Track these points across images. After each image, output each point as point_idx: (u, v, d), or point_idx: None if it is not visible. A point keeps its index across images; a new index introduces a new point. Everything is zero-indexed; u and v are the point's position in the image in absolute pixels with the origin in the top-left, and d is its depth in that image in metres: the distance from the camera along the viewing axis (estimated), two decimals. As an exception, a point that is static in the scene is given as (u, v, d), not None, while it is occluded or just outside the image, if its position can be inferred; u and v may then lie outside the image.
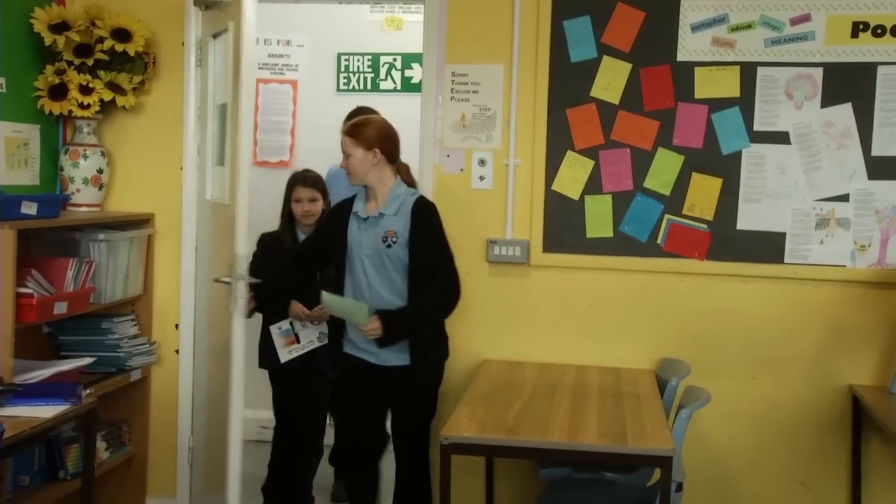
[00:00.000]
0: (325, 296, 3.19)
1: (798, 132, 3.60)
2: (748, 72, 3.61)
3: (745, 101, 3.62)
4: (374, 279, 3.21)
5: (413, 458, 3.30)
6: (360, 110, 3.96)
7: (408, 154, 3.91)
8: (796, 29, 3.57)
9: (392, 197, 3.24)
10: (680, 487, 3.04)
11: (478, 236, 3.78)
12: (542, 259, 3.75)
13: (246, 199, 3.13)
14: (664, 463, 2.70)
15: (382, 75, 5.07)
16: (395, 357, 3.22)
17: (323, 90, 5.09)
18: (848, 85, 3.56)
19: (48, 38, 3.59)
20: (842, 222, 3.60)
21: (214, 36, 3.76)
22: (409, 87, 5.00)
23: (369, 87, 5.08)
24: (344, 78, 5.10)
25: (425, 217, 3.24)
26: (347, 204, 3.33)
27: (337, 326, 3.36)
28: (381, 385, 3.26)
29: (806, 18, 3.56)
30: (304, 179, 3.72)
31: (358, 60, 5.09)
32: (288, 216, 3.73)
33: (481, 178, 3.78)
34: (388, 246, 3.18)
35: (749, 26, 3.60)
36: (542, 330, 3.77)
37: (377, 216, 3.22)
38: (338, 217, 3.33)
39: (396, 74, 5.07)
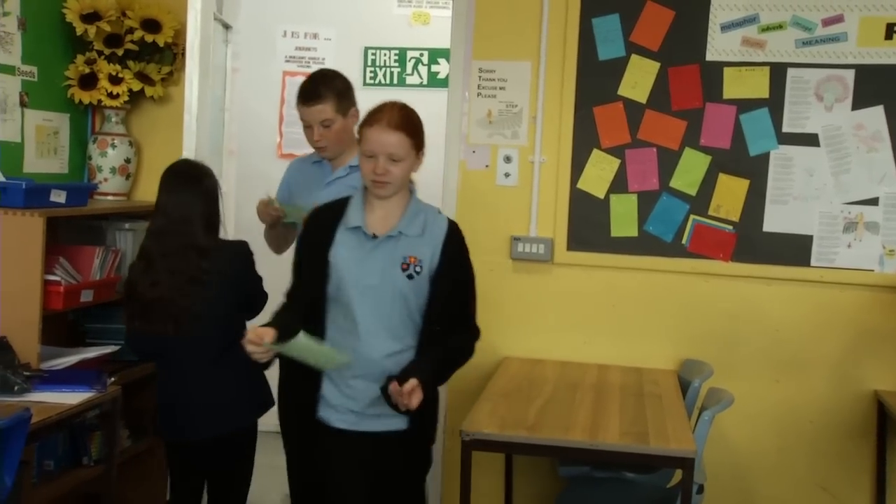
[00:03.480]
0: (301, 338, 2.32)
1: (827, 134, 3.57)
2: (778, 73, 3.58)
3: (774, 103, 3.59)
4: (370, 319, 2.46)
5: None
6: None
7: (433, 150, 3.91)
8: (828, 30, 3.54)
9: (413, 211, 2.53)
10: (701, 489, 3.03)
11: (502, 233, 3.77)
12: (566, 257, 3.74)
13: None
14: (686, 464, 2.69)
15: (409, 70, 5.08)
16: (386, 421, 2.47)
17: (349, 84, 5.10)
18: (881, 87, 3.52)
19: (79, 28, 3.61)
20: (870, 226, 3.56)
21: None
22: (435, 82, 5.00)
23: (395, 81, 5.09)
24: (370, 72, 5.11)
25: (461, 246, 2.57)
26: (329, 212, 2.55)
27: (299, 376, 2.52)
28: (367, 460, 2.51)
29: (839, 19, 3.53)
30: None
31: (385, 55, 5.10)
32: None
33: (506, 175, 3.77)
34: (410, 276, 2.46)
35: (780, 27, 3.57)
36: (564, 328, 3.76)
37: (394, 235, 2.49)
38: (318, 230, 2.54)
39: (423, 69, 5.07)
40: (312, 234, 2.56)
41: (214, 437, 2.94)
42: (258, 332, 2.30)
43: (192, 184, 2.99)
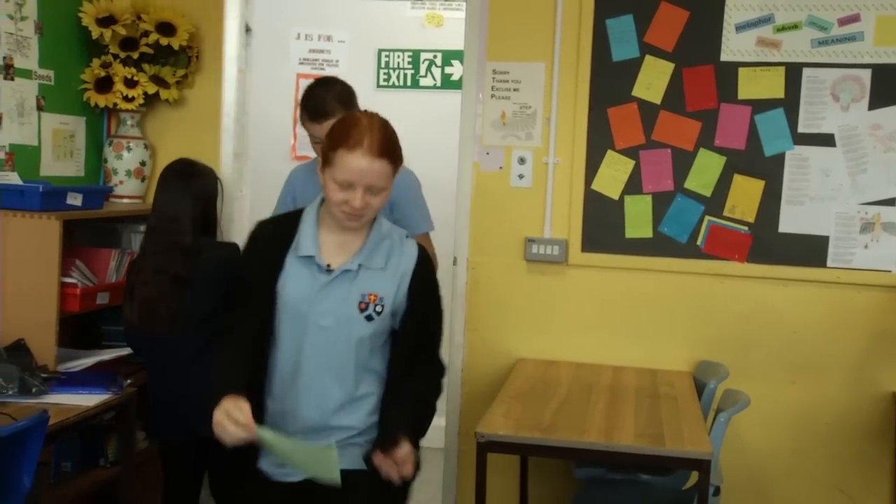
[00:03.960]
0: (270, 437, 1.98)
1: (844, 134, 3.55)
2: (793, 73, 3.56)
3: (790, 103, 3.57)
4: (318, 363, 2.10)
5: None
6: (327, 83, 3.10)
7: (447, 151, 3.92)
8: (844, 29, 3.52)
9: (375, 239, 2.14)
10: (717, 491, 3.02)
11: (516, 235, 3.77)
12: (581, 258, 3.74)
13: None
14: (702, 466, 2.68)
15: (422, 72, 5.08)
16: (344, 459, 2.04)
17: (363, 86, 5.09)
18: (898, 87, 3.50)
19: (95, 32, 3.64)
20: (887, 227, 3.54)
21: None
22: (449, 84, 5.00)
23: (409, 83, 5.09)
24: (384, 74, 5.12)
25: (431, 279, 2.22)
26: (276, 230, 2.16)
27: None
28: None
29: (855, 19, 3.51)
30: None
31: (398, 56, 5.11)
32: None
33: (520, 177, 3.77)
34: (370, 318, 2.10)
35: (795, 27, 3.56)
36: (578, 330, 3.75)
37: (352, 269, 2.11)
38: (264, 252, 2.14)
39: (436, 71, 5.08)
40: (257, 255, 2.15)
41: (199, 438, 2.84)
42: (239, 407, 1.94)
43: (183, 182, 3.01)
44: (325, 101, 2.92)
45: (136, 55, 3.70)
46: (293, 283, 2.09)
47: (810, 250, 3.58)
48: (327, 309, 2.08)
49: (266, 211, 3.21)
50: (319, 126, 2.90)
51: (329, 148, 2.07)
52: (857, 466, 3.61)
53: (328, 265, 2.10)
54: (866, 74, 3.52)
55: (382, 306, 2.10)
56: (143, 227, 3.63)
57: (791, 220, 3.59)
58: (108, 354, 3.33)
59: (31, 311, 3.02)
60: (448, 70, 5.06)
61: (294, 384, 2.11)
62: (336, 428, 2.11)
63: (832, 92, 3.54)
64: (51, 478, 3.07)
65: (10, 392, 2.72)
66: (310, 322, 2.08)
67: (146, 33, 3.70)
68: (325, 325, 2.08)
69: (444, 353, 3.83)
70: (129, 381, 3.13)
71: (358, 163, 2.03)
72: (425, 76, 5.07)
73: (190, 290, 2.89)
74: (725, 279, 3.65)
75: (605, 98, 3.68)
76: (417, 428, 2.14)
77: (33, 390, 2.77)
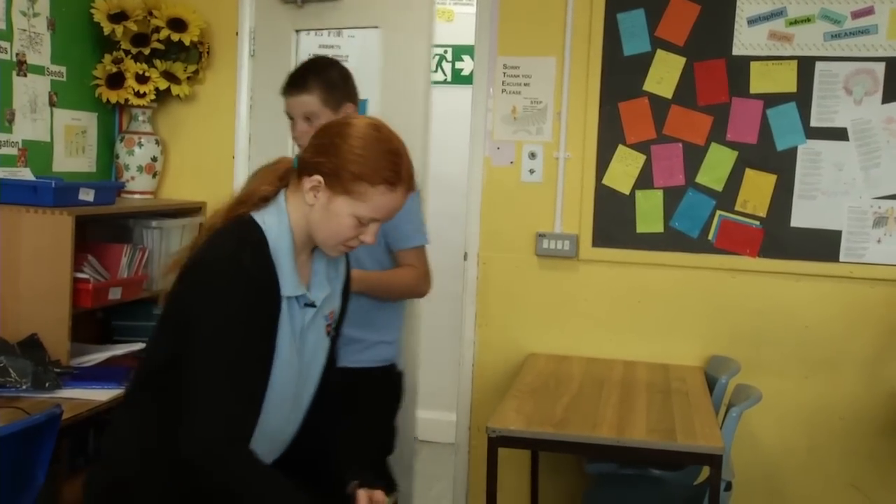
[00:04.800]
0: None
1: (857, 128, 3.53)
2: (806, 66, 3.54)
3: (802, 97, 3.55)
4: (305, 392, 1.87)
5: None
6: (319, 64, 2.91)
7: (458, 146, 3.92)
8: (858, 22, 3.49)
9: (319, 252, 1.85)
10: (729, 486, 3.01)
11: (527, 230, 3.76)
12: (592, 253, 3.73)
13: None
14: (714, 461, 2.67)
15: (433, 67, 5.07)
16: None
17: (374, 81, 5.10)
18: (912, 80, 3.48)
19: (107, 28, 3.65)
20: (900, 221, 3.52)
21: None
22: (459, 79, 5.00)
23: (419, 78, 5.08)
24: (394, 69, 5.10)
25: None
26: (266, 271, 1.70)
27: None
28: None
29: (868, 12, 3.48)
30: None
31: (410, 51, 5.09)
32: None
33: (531, 172, 3.76)
34: (333, 339, 1.93)
35: (808, 20, 3.54)
36: (589, 325, 3.75)
37: (328, 296, 1.86)
38: (267, 303, 1.71)
39: (447, 66, 5.07)
40: (261, 310, 1.68)
41: None
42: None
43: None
44: (306, 74, 2.69)
45: (147, 51, 3.71)
46: (284, 330, 1.74)
47: (823, 245, 3.56)
48: (308, 348, 1.83)
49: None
50: (289, 100, 2.68)
51: (357, 177, 1.69)
52: (871, 462, 3.60)
53: (313, 302, 1.79)
54: (880, 68, 3.49)
55: (336, 320, 1.92)
56: (154, 223, 3.65)
57: (803, 215, 3.57)
58: (120, 349, 3.34)
59: (44, 306, 3.03)
60: (459, 65, 5.05)
61: (279, 435, 1.85)
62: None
63: (845, 86, 3.52)
64: (65, 472, 3.08)
65: (24, 387, 2.73)
66: (302, 361, 1.82)
67: (157, 29, 3.71)
68: (308, 360, 1.84)
69: (455, 348, 3.87)
70: (141, 376, 3.14)
71: (398, 202, 1.74)
72: (436, 71, 5.06)
73: None
74: (737, 274, 3.64)
75: (616, 92, 3.67)
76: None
77: (47, 385, 2.78)
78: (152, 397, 1.73)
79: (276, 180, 1.77)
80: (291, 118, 2.71)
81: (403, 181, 1.73)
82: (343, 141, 1.71)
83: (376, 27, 3.84)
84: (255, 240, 1.69)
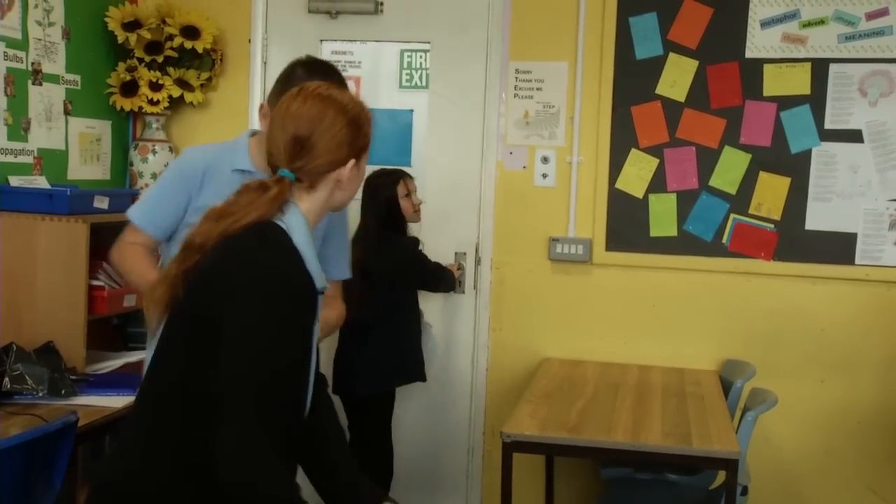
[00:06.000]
0: None
1: (872, 130, 3.51)
2: (820, 69, 3.53)
3: (816, 99, 3.54)
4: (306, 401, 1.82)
5: None
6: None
7: (471, 151, 3.91)
8: (872, 24, 3.48)
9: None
10: (745, 490, 2.99)
11: (540, 234, 3.76)
12: (605, 257, 3.72)
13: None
14: (730, 465, 2.66)
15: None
16: None
17: (386, 86, 5.11)
18: (926, 81, 3.46)
19: (121, 36, 3.67)
20: (916, 223, 3.50)
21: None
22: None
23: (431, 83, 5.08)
24: (406, 74, 5.11)
25: None
26: (300, 281, 1.67)
27: None
28: None
29: (883, 13, 3.47)
30: (406, 173, 3.49)
31: (420, 57, 5.10)
32: (390, 217, 3.40)
33: (544, 176, 3.76)
34: None
35: (822, 22, 3.52)
36: (604, 329, 3.74)
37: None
38: (307, 305, 1.69)
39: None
40: (304, 311, 1.67)
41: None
42: None
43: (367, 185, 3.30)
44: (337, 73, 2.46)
45: (160, 59, 3.73)
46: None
47: (838, 247, 3.54)
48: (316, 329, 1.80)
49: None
50: None
51: (367, 137, 1.79)
52: (889, 466, 3.57)
53: (324, 287, 1.76)
54: (895, 69, 3.47)
55: None
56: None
57: (818, 217, 3.56)
58: (135, 356, 3.34)
59: (59, 313, 3.05)
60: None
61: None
62: None
63: (860, 87, 3.51)
64: (81, 478, 3.09)
65: (41, 394, 2.74)
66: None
67: (171, 37, 3.72)
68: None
69: (470, 352, 3.86)
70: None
71: None
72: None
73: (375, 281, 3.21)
74: (752, 277, 3.62)
75: (629, 96, 3.66)
76: None
77: (63, 392, 2.79)
78: (174, 412, 1.64)
79: (276, 202, 1.70)
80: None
81: None
82: (341, 129, 1.73)
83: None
84: (282, 241, 1.67)
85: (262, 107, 2.37)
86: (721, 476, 3.08)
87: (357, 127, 1.75)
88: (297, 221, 1.71)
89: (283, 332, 1.59)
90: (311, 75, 2.25)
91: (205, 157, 2.38)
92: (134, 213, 2.43)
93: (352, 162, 1.75)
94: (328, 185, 1.74)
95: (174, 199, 2.36)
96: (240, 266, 1.62)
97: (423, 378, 3.53)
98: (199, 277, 1.65)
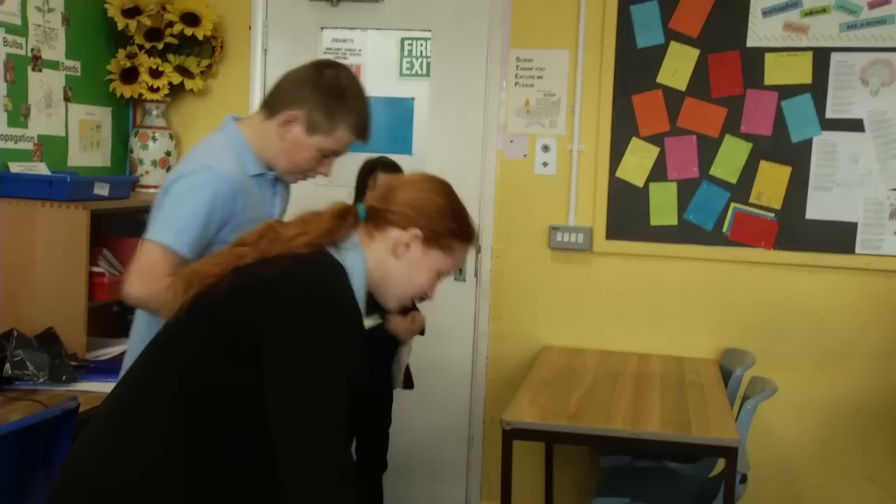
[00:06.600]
0: None
1: (873, 119, 3.51)
2: (821, 58, 3.52)
3: (818, 88, 3.53)
4: None
5: None
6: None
7: (471, 139, 3.91)
8: (875, 13, 3.47)
9: None
10: (744, 479, 3.00)
11: (540, 223, 3.76)
12: (605, 246, 3.72)
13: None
14: (729, 453, 2.67)
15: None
16: None
17: (387, 75, 5.10)
18: (927, 71, 3.45)
19: (121, 23, 3.66)
20: (917, 213, 3.50)
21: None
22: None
23: (431, 72, 5.07)
24: (407, 62, 5.10)
25: None
26: (356, 314, 1.63)
27: None
28: None
29: (885, 1, 3.46)
30: (384, 164, 3.17)
31: (421, 45, 5.09)
32: None
33: (545, 164, 3.76)
34: None
35: (824, 10, 3.51)
36: (603, 317, 3.74)
37: None
38: (357, 339, 1.62)
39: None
40: (357, 340, 1.60)
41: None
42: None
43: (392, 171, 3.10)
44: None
45: (160, 45, 3.73)
46: None
47: (838, 237, 3.55)
48: None
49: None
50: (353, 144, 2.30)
51: (451, 235, 1.73)
52: (887, 455, 3.58)
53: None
54: (897, 58, 3.48)
55: None
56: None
57: (819, 207, 3.56)
58: (135, 343, 3.35)
59: (60, 300, 3.05)
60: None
61: None
62: None
63: (861, 77, 3.50)
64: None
65: (41, 380, 2.75)
66: None
67: (171, 24, 3.71)
68: None
69: (470, 340, 3.87)
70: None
71: (465, 255, 1.81)
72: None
73: None
74: (752, 266, 3.62)
75: (630, 85, 3.66)
76: None
77: (64, 378, 2.80)
78: (193, 418, 1.57)
79: (339, 223, 1.68)
80: (334, 154, 2.27)
81: (474, 236, 1.80)
82: (431, 197, 1.73)
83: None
84: (344, 278, 1.64)
85: (290, 114, 2.17)
86: (720, 464, 3.09)
87: (450, 216, 1.72)
88: (358, 265, 1.67)
89: (340, 354, 1.54)
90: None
91: (232, 172, 2.16)
92: (164, 236, 2.09)
93: (418, 233, 1.68)
94: (401, 243, 1.69)
95: (207, 220, 2.10)
96: (296, 284, 1.57)
97: (385, 388, 3.30)
98: (244, 286, 1.58)
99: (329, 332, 1.53)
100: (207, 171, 2.13)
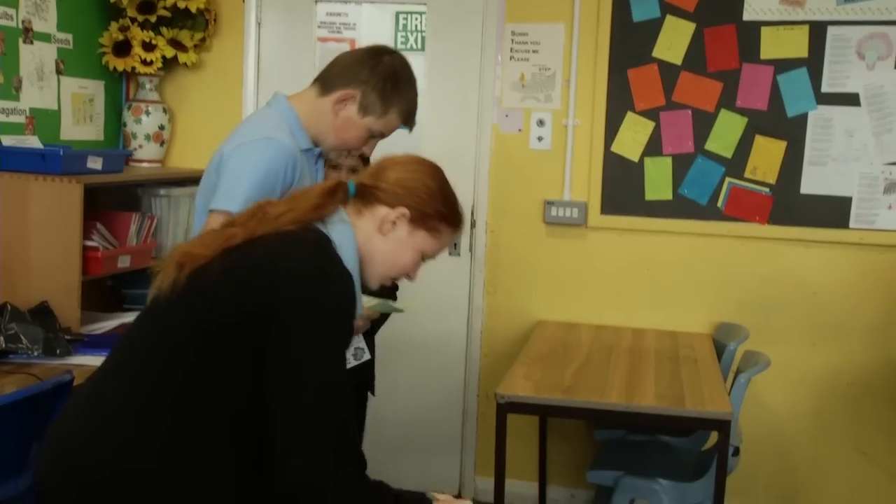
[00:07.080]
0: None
1: (869, 93, 3.50)
2: (818, 31, 3.50)
3: (814, 62, 3.52)
4: None
5: None
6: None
7: (467, 114, 3.90)
8: (871, -14, 3.45)
9: None
10: (737, 451, 3.02)
11: (535, 197, 3.76)
12: (600, 221, 3.72)
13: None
14: (722, 426, 2.68)
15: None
16: None
17: (380, 49, 5.07)
18: (924, 45, 3.44)
19: (112, -5, 3.63)
20: (911, 187, 3.50)
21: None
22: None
23: (426, 46, 5.04)
24: (402, 37, 5.06)
25: None
26: (352, 296, 1.64)
27: None
28: None
29: (882, -26, 3.44)
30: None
31: (416, 19, 5.05)
32: None
33: (540, 139, 3.75)
34: None
35: (820, -17, 3.50)
36: (598, 292, 3.75)
37: None
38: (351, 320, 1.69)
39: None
40: (350, 324, 1.65)
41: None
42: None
43: None
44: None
45: (153, 18, 3.69)
46: None
47: (833, 211, 3.55)
48: None
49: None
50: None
51: (439, 217, 1.75)
52: (879, 428, 3.60)
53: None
54: (894, 32, 3.46)
55: None
56: (162, 191, 3.64)
57: (813, 181, 3.55)
58: (129, 317, 3.34)
59: (54, 274, 3.04)
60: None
61: None
62: None
63: (858, 50, 3.49)
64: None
65: (35, 353, 2.75)
66: None
67: (163, -4, 3.68)
68: None
69: (465, 315, 3.87)
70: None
71: (452, 239, 1.84)
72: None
73: None
74: (746, 241, 3.63)
75: (626, 59, 3.64)
76: None
77: (58, 351, 2.79)
78: (197, 410, 1.56)
79: (327, 199, 1.70)
80: (381, 136, 2.35)
81: (462, 222, 1.81)
82: (421, 178, 1.75)
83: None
84: (337, 256, 1.64)
85: (346, 93, 2.23)
86: (713, 437, 3.11)
87: (439, 198, 1.74)
88: (346, 241, 1.68)
89: (340, 341, 1.59)
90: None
91: (291, 145, 2.21)
92: (232, 204, 2.08)
93: (405, 212, 1.70)
94: (388, 220, 1.71)
95: (271, 191, 2.12)
96: (293, 267, 1.58)
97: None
98: (242, 271, 1.59)
99: (333, 332, 1.56)
100: (270, 142, 2.18)
